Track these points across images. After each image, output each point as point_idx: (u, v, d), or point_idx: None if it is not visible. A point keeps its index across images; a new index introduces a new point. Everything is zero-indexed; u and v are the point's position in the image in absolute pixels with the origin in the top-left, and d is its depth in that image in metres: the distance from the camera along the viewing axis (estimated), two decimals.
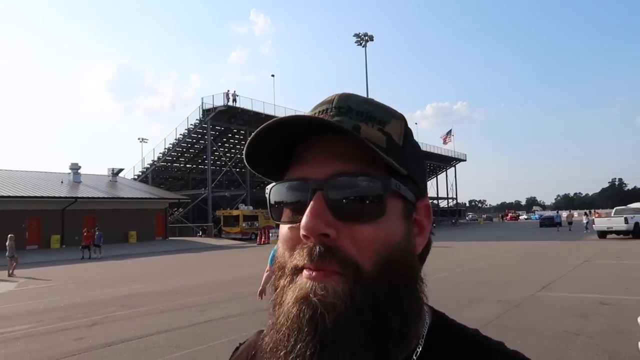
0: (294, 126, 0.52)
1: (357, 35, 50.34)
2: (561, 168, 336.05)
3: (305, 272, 0.50)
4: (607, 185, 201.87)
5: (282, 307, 0.51)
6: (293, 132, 0.54)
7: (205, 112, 43.07)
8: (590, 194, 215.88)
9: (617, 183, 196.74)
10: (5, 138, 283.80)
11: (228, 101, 42.85)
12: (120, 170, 42.11)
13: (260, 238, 33.25)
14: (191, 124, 43.97)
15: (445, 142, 70.76)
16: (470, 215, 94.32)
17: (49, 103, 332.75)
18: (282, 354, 0.49)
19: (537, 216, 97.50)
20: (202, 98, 43.91)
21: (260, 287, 6.23)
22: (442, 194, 78.17)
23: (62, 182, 35.21)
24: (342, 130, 0.50)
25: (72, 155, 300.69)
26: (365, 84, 50.91)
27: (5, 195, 28.43)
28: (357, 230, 0.50)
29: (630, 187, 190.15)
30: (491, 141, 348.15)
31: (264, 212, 36.18)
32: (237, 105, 43.47)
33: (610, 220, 25.35)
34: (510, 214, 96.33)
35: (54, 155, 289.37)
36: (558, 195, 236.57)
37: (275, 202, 0.56)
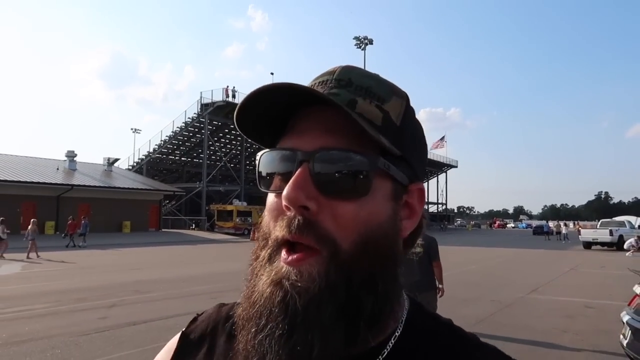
0: (286, 95, 0.52)
1: (357, 38, 50.94)
2: (549, 179, 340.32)
3: (282, 255, 0.51)
4: (593, 197, 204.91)
5: (258, 284, 0.52)
6: (286, 101, 0.53)
7: (204, 106, 43.35)
8: (576, 206, 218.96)
9: (603, 196, 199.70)
10: None
11: (227, 97, 43.19)
12: (116, 160, 42.27)
13: (254, 234, 33.60)
14: (189, 118, 44.22)
15: (435, 147, 71.55)
16: (459, 221, 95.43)
17: (39, 88, 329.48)
18: (252, 330, 0.50)
19: (524, 225, 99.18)
20: (201, 92, 44.38)
21: None
22: (432, 199, 79.07)
23: (57, 168, 35.35)
24: (332, 104, 0.50)
25: (61, 141, 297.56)
26: None
27: (1, 179, 28.57)
28: (339, 207, 0.50)
29: (615, 200, 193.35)
30: (482, 149, 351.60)
31: (258, 209, 36.66)
32: (236, 101, 43.81)
33: (596, 232, 26.21)
34: (498, 222, 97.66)
35: (42, 140, 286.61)
36: (545, 206, 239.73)
37: (263, 170, 0.56)
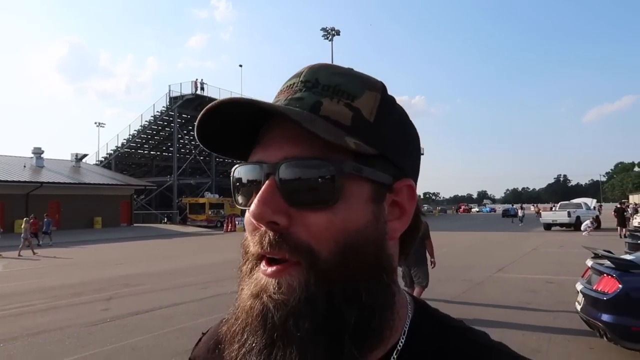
0: (242, 109, 0.50)
1: (324, 29, 51.21)
2: (511, 164, 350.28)
3: (262, 267, 0.49)
4: (552, 181, 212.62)
5: (240, 298, 0.51)
6: (248, 113, 0.51)
7: (173, 99, 43.08)
8: (537, 189, 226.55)
9: (561, 179, 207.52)
10: None
11: (196, 90, 43.06)
12: (84, 155, 41.65)
13: (227, 226, 33.98)
14: (157, 111, 43.85)
15: None
16: (426, 207, 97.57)
17: None
18: (236, 346, 0.49)
19: (487, 209, 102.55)
20: (169, 85, 44.06)
21: None
22: None
23: (24, 166, 34.65)
24: (284, 117, 0.47)
25: (20, 137, 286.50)
26: None
27: None
28: (310, 218, 0.48)
29: (573, 183, 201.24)
30: (446, 136, 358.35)
31: (230, 200, 36.89)
32: (205, 94, 43.67)
33: (555, 214, 27.77)
34: (463, 207, 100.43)
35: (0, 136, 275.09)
36: (507, 190, 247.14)
37: (236, 184, 0.54)
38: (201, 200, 38.89)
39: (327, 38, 51.24)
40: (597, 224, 26.38)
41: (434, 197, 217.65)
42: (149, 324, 6.73)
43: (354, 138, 0.49)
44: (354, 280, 0.48)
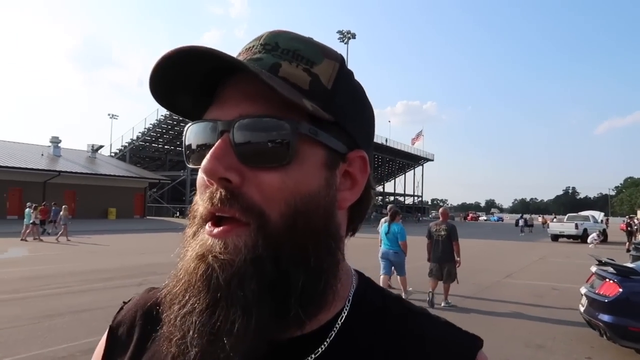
0: (203, 61, 0.48)
1: (340, 32, 51.83)
2: (520, 173, 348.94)
3: (207, 228, 0.48)
4: (561, 192, 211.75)
5: (183, 260, 0.49)
6: (207, 68, 0.50)
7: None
8: (545, 200, 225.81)
9: (570, 191, 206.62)
10: None
11: None
12: (101, 147, 42.53)
13: None
14: None
15: (414, 142, 73.30)
16: (434, 213, 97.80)
17: (5, 69, 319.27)
18: (175, 307, 0.48)
19: (495, 218, 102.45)
20: None
21: None
22: (409, 191, 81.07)
23: (42, 154, 35.51)
24: (246, 70, 0.46)
25: (31, 124, 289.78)
26: None
27: None
28: (263, 177, 0.47)
29: (582, 195, 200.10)
30: (456, 143, 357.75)
31: None
32: None
33: (563, 225, 28.09)
34: (471, 215, 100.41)
35: (11, 123, 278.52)
36: (515, 200, 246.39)
37: (189, 144, 0.52)
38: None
39: (343, 41, 51.80)
40: (603, 237, 26.68)
41: (441, 204, 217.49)
42: None
43: (311, 102, 0.49)
44: (302, 244, 0.48)
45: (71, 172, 33.04)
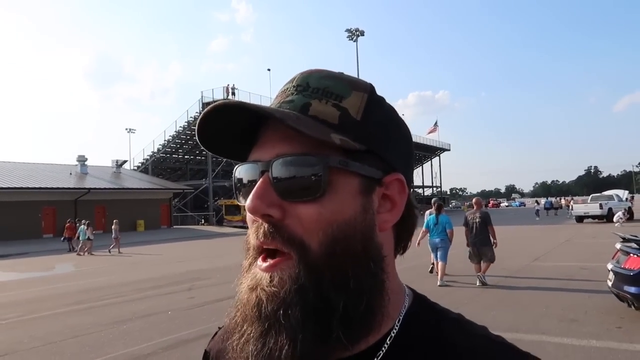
0: (238, 112, 0.54)
1: (348, 30, 52.17)
2: (539, 156, 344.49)
3: (259, 262, 0.53)
4: (583, 173, 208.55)
5: (240, 292, 0.55)
6: (238, 118, 0.55)
7: (205, 105, 44.70)
8: (567, 182, 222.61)
9: (592, 171, 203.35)
10: None
11: (227, 95, 44.60)
12: (125, 161, 43.79)
13: None
14: (191, 117, 45.60)
15: (430, 133, 73.32)
16: (454, 203, 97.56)
17: (22, 90, 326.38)
18: (236, 336, 0.54)
19: (517, 203, 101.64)
20: (202, 92, 45.84)
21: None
22: (427, 182, 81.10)
23: (71, 173, 36.74)
24: (272, 117, 0.52)
25: (51, 143, 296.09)
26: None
27: (24, 186, 29.96)
28: (301, 210, 0.52)
29: (605, 174, 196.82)
30: (471, 130, 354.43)
31: None
32: (236, 99, 45.07)
33: (587, 206, 28.14)
34: (492, 202, 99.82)
35: (29, 143, 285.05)
36: (536, 183, 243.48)
37: (237, 183, 0.58)
38: (236, 202, 39.96)
39: (352, 39, 52.17)
40: (629, 215, 26.68)
41: (460, 193, 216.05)
42: None
43: (340, 135, 0.53)
44: (341, 269, 0.51)
45: (100, 189, 34.17)
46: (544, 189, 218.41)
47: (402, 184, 0.58)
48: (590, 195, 30.54)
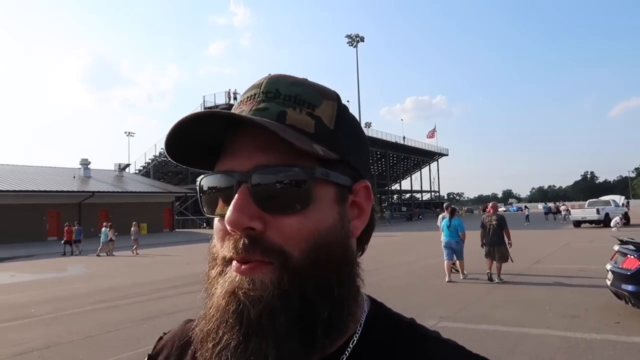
0: (213, 120, 0.52)
1: (349, 36, 52.79)
2: (535, 161, 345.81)
3: (234, 265, 0.51)
4: (579, 178, 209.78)
5: (212, 298, 0.52)
6: (217, 125, 0.53)
7: (207, 109, 45.21)
8: (563, 187, 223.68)
9: (589, 176, 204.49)
10: None
11: (229, 100, 45.12)
12: (127, 165, 44.34)
13: None
14: None
15: (429, 137, 73.93)
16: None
17: (19, 94, 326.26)
18: (210, 345, 0.50)
19: (514, 208, 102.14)
20: (204, 96, 46.25)
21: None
22: (425, 187, 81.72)
23: (74, 177, 37.16)
24: (258, 126, 0.50)
25: (51, 147, 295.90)
26: (357, 84, 53.54)
27: (29, 189, 30.35)
28: (284, 221, 0.51)
29: (601, 179, 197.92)
30: (468, 135, 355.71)
31: None
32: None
33: (584, 211, 28.70)
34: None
35: (30, 146, 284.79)
36: (533, 188, 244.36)
37: (204, 194, 0.56)
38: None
39: (352, 45, 52.80)
40: (626, 220, 27.24)
41: (457, 198, 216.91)
42: None
43: (319, 145, 0.53)
44: (325, 277, 0.51)
45: (104, 192, 34.58)
46: (541, 194, 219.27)
47: (368, 190, 0.59)
48: (588, 201, 31.11)
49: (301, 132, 0.53)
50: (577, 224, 28.53)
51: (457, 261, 10.36)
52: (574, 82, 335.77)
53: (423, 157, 77.14)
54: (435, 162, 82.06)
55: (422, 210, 70.09)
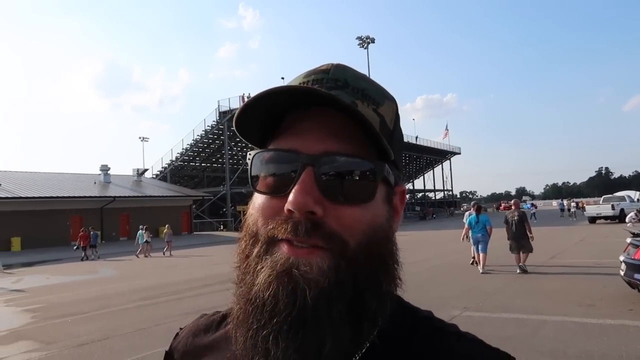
0: (286, 96, 0.51)
1: (359, 38, 53.23)
2: (549, 158, 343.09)
3: (285, 247, 0.49)
4: (594, 174, 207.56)
5: (257, 277, 0.49)
6: (285, 101, 0.52)
7: (222, 114, 46.06)
8: (578, 183, 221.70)
9: (603, 172, 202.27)
10: None
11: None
12: (145, 170, 45.22)
13: None
14: (208, 126, 46.94)
15: (445, 137, 74.00)
16: (465, 206, 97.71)
17: (33, 100, 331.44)
18: (254, 327, 0.48)
19: (528, 206, 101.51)
20: (219, 101, 47.06)
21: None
22: (438, 186, 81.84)
23: (95, 182, 38.14)
24: (350, 109, 0.48)
25: (66, 154, 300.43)
26: None
27: (54, 195, 31.28)
28: (345, 211, 0.50)
29: (616, 175, 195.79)
30: (480, 133, 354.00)
31: None
32: None
33: (599, 207, 28.88)
34: (503, 204, 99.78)
35: (42, 153, 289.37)
36: (547, 185, 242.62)
37: (259, 170, 0.54)
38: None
39: (363, 46, 53.24)
40: None
41: (470, 196, 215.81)
42: None
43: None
44: (375, 271, 0.51)
45: (125, 197, 35.47)
46: (555, 191, 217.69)
47: (404, 194, 0.60)
48: (603, 197, 31.25)
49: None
50: (592, 220, 28.72)
51: (481, 254, 11.15)
52: (587, 76, 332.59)
53: (435, 156, 77.31)
54: (448, 161, 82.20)
55: (435, 209, 70.27)
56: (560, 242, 17.74)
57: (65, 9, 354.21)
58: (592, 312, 6.65)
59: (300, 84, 0.55)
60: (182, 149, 48.65)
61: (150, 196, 37.85)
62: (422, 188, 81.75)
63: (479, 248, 11.17)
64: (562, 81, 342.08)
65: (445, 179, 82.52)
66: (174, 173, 50.49)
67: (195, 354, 0.66)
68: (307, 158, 0.50)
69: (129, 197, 35.90)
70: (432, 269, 11.95)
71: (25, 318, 8.69)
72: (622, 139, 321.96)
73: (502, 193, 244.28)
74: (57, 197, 31.36)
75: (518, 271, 10.47)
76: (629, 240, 7.39)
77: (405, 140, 62.47)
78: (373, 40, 53.29)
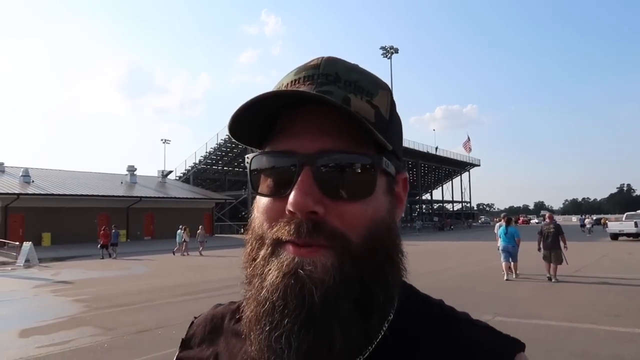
0: (278, 99, 0.51)
1: (383, 48, 53.63)
2: (569, 173, 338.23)
3: (290, 247, 0.50)
4: (615, 190, 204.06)
5: (265, 280, 0.50)
6: (278, 104, 0.52)
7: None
8: (598, 199, 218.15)
9: (625, 189, 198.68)
10: (7, 137, 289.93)
11: None
12: (170, 172, 46.23)
13: None
14: None
15: (467, 149, 73.46)
16: (483, 219, 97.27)
17: (56, 101, 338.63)
18: (266, 329, 0.49)
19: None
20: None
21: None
22: (457, 197, 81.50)
23: (122, 182, 39.17)
24: (341, 108, 0.49)
25: (89, 153, 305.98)
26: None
27: (83, 193, 32.29)
28: (346, 208, 0.50)
29: (638, 192, 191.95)
30: (499, 145, 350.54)
31: None
32: None
33: (622, 224, 28.77)
34: (522, 218, 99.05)
35: (66, 151, 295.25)
36: (566, 200, 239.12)
37: (257, 172, 0.55)
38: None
39: (386, 56, 53.64)
40: None
41: (487, 209, 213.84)
42: None
43: (380, 134, 0.51)
44: (380, 264, 0.52)
45: (151, 197, 36.36)
46: (574, 206, 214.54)
47: (406, 182, 0.61)
48: (625, 214, 31.12)
49: (365, 120, 0.52)
50: (615, 236, 28.64)
51: (512, 263, 11.92)
52: (609, 91, 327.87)
53: (455, 167, 77.12)
54: (467, 172, 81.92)
55: (453, 220, 70.08)
56: (584, 257, 17.86)
57: (91, 9, 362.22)
58: (620, 322, 6.98)
59: (292, 81, 0.56)
60: (206, 152, 49.65)
61: (175, 197, 38.73)
62: (441, 199, 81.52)
63: (510, 258, 11.82)
64: (583, 96, 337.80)
65: (463, 191, 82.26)
66: (196, 176, 51.46)
67: (211, 341, 0.67)
68: (304, 157, 0.51)
69: (154, 197, 36.78)
70: (459, 277, 12.32)
71: (78, 307, 9.31)
72: None
73: (519, 207, 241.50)
74: (87, 195, 32.36)
75: (553, 280, 11.20)
76: None
77: (425, 150, 62.76)
78: (397, 51, 53.66)
